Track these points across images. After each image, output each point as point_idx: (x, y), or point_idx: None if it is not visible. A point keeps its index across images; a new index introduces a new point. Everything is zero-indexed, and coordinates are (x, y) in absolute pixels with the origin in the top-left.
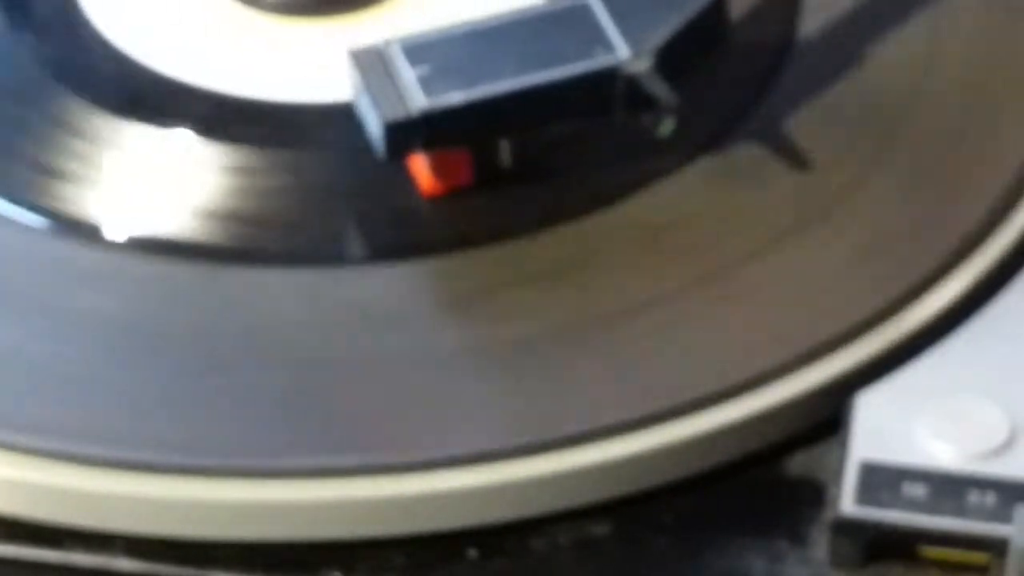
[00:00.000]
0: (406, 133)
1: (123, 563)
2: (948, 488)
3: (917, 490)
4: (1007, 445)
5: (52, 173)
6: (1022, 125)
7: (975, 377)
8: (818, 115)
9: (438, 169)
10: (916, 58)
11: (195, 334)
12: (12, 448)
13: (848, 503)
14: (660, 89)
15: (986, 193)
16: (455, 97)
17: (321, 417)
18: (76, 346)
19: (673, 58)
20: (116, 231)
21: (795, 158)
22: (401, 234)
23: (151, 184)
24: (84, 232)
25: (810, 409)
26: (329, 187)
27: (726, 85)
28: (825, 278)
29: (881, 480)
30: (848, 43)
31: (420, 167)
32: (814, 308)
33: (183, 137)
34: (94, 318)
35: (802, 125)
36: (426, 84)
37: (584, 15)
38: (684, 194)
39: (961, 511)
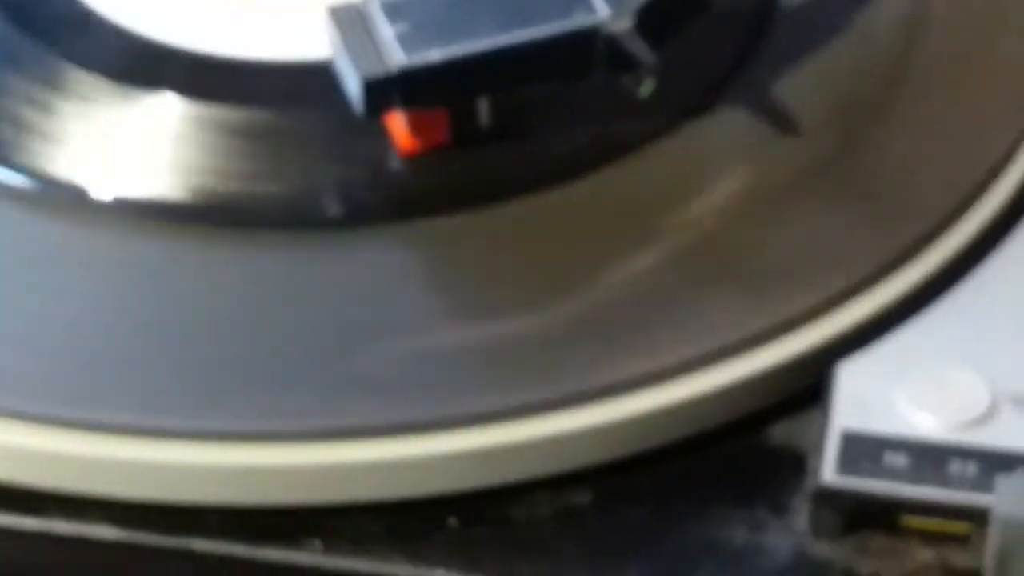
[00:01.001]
0: (384, 90)
1: (104, 531)
2: (929, 458)
3: (898, 460)
4: (988, 415)
5: (34, 134)
6: (1008, 96)
7: (956, 347)
8: (805, 81)
9: (416, 128)
10: (905, 23)
11: (172, 297)
12: None
13: (829, 472)
14: (640, 49)
15: (970, 163)
16: (434, 55)
17: (299, 381)
18: (54, 308)
19: (654, 19)
20: (98, 191)
21: (781, 125)
22: (377, 193)
23: (127, 145)
24: (64, 192)
25: (791, 378)
26: (306, 145)
27: (711, 49)
28: (808, 246)
29: (862, 449)
30: (835, 7)
31: (398, 125)
32: (796, 277)
33: (162, 98)
34: (69, 279)
35: (789, 91)
36: (405, 41)
37: None
38: (666, 159)
39: (942, 481)
